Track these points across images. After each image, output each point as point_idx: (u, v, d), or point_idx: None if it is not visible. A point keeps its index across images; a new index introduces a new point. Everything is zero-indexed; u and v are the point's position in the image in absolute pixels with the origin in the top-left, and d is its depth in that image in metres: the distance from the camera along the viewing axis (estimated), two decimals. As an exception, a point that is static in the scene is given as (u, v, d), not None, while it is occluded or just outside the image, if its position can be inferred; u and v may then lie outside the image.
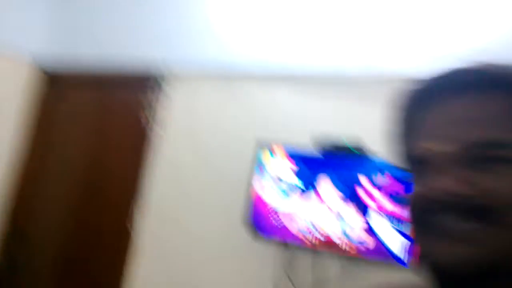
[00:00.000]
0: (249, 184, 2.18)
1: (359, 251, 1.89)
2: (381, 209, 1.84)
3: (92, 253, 2.75)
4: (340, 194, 1.94)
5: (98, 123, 2.90)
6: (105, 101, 2.90)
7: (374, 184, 1.89)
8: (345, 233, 1.92)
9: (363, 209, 1.89)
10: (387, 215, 1.83)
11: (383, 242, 1.84)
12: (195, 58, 2.61)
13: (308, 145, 2.12)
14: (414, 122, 0.59)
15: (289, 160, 2.08)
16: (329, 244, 1.95)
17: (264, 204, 2.12)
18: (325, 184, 1.99)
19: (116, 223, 2.69)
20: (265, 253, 2.26)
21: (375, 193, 1.88)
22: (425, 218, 0.55)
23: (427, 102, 0.57)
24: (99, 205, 2.78)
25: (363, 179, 1.91)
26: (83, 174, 2.86)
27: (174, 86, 2.67)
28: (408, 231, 1.59)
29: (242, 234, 2.22)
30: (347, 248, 1.91)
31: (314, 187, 2.00)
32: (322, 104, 2.32)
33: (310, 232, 1.99)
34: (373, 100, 2.14)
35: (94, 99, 2.93)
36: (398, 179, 1.83)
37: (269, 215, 2.11)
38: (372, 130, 1.90)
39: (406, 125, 0.61)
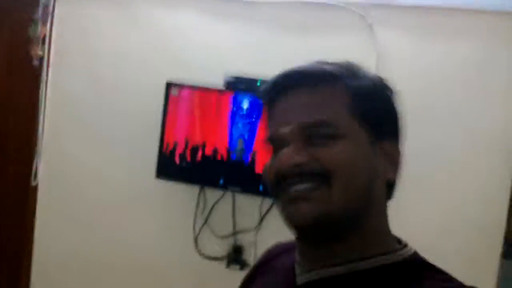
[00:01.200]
0: (158, 124, 2.11)
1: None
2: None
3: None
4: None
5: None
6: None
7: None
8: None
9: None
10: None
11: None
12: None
13: (217, 80, 2.07)
14: (267, 111, 0.74)
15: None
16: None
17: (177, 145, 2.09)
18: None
19: (17, 172, 2.53)
20: (182, 197, 2.22)
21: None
22: (276, 187, 0.69)
23: (274, 95, 0.72)
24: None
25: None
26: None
27: (64, 5, 2.38)
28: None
29: (154, 179, 2.15)
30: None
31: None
32: (230, 29, 2.19)
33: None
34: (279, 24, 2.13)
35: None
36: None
37: (183, 157, 2.08)
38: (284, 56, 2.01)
39: (264, 114, 0.75)
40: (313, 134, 0.66)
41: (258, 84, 2.00)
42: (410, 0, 1.97)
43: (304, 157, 0.66)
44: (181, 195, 2.21)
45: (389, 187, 0.72)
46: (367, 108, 0.68)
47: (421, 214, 1.99)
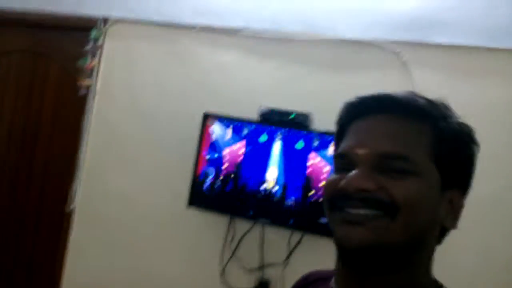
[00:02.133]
0: (194, 155, 2.16)
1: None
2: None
3: (29, 232, 2.67)
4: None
5: (30, 83, 2.76)
6: (38, 49, 2.75)
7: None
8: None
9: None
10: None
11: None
12: (133, 10, 2.48)
13: (253, 115, 2.11)
14: (344, 128, 0.74)
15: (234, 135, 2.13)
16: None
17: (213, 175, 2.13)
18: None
19: (54, 198, 2.62)
20: (211, 226, 2.23)
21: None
22: (334, 204, 0.68)
23: (355, 115, 0.72)
24: (35, 182, 2.70)
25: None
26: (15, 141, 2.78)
27: (112, 40, 2.53)
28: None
29: (187, 207, 2.18)
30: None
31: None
32: (268, 66, 2.25)
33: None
34: (317, 62, 2.18)
35: (26, 44, 2.78)
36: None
37: (217, 187, 2.11)
38: (317, 93, 2.10)
39: (339, 129, 0.76)
40: (387, 165, 0.66)
41: (293, 116, 2.04)
42: (444, 39, 1.99)
43: (373, 184, 0.65)
44: (211, 224, 2.22)
45: (441, 234, 0.71)
46: (446, 154, 0.67)
47: (453, 258, 1.91)
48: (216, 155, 2.14)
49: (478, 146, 0.72)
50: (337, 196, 0.68)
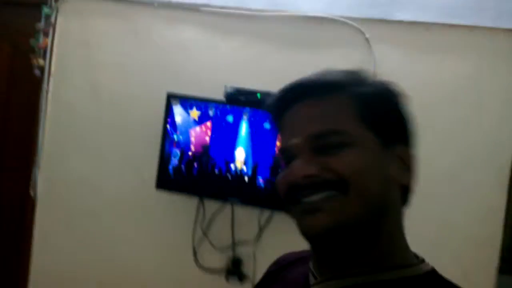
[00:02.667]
0: (160, 137, 2.12)
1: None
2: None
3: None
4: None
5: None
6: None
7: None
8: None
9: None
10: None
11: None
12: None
13: (218, 94, 2.07)
14: (277, 124, 0.74)
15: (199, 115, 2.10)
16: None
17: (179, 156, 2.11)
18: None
19: (15, 182, 2.53)
20: (181, 208, 2.22)
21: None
22: (290, 199, 0.68)
23: (281, 109, 0.72)
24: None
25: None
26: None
27: (66, 17, 2.39)
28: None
29: (154, 190, 2.15)
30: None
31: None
32: (231, 44, 2.21)
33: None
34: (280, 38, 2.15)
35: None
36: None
37: (185, 169, 2.09)
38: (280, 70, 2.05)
39: (276, 126, 0.75)
40: (323, 144, 0.65)
41: (258, 96, 2.01)
42: (406, 16, 2.01)
43: (315, 167, 0.65)
44: (181, 206, 2.21)
45: (404, 193, 0.71)
46: (374, 114, 0.67)
47: (416, 228, 1.96)
48: (182, 137, 2.10)
49: (404, 97, 0.72)
50: (289, 191, 0.67)
